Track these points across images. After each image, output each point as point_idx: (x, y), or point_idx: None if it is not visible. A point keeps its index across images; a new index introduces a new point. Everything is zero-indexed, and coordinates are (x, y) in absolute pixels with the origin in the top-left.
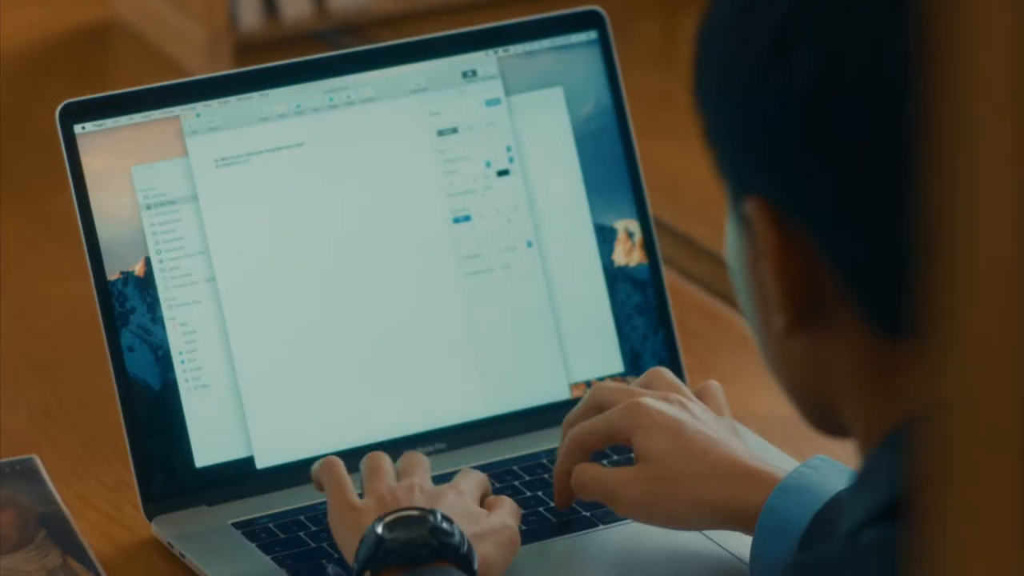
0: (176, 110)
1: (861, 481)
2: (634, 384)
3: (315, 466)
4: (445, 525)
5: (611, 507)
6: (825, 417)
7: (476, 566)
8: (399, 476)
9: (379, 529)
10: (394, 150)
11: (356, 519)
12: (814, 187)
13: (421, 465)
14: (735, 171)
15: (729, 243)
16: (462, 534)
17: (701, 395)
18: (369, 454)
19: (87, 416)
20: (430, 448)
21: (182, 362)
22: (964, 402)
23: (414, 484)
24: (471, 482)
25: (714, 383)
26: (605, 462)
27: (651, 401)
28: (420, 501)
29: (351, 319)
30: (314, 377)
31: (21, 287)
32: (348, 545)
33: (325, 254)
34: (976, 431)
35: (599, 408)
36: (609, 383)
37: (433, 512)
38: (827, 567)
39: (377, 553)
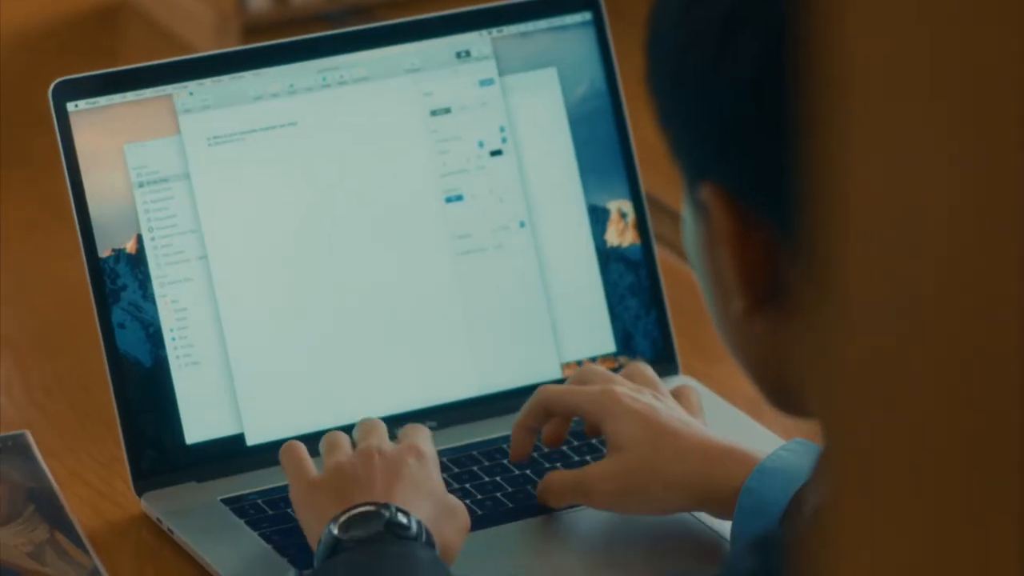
0: (169, 88)
1: (821, 464)
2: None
3: (280, 451)
4: (401, 518)
5: (587, 503)
6: (787, 399)
7: (437, 552)
8: (355, 444)
9: (335, 531)
10: (387, 130)
11: (315, 497)
12: (769, 169)
13: (377, 428)
14: (690, 157)
15: (686, 229)
16: (419, 524)
17: (676, 395)
18: (326, 434)
19: (83, 394)
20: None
21: (173, 339)
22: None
23: (371, 447)
24: (427, 439)
25: (689, 385)
26: (559, 464)
27: (624, 389)
28: (379, 467)
29: (342, 297)
30: (305, 355)
31: (21, 265)
32: (309, 527)
33: (317, 233)
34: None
35: (580, 384)
36: (597, 367)
37: (387, 506)
38: (786, 546)
39: (334, 553)
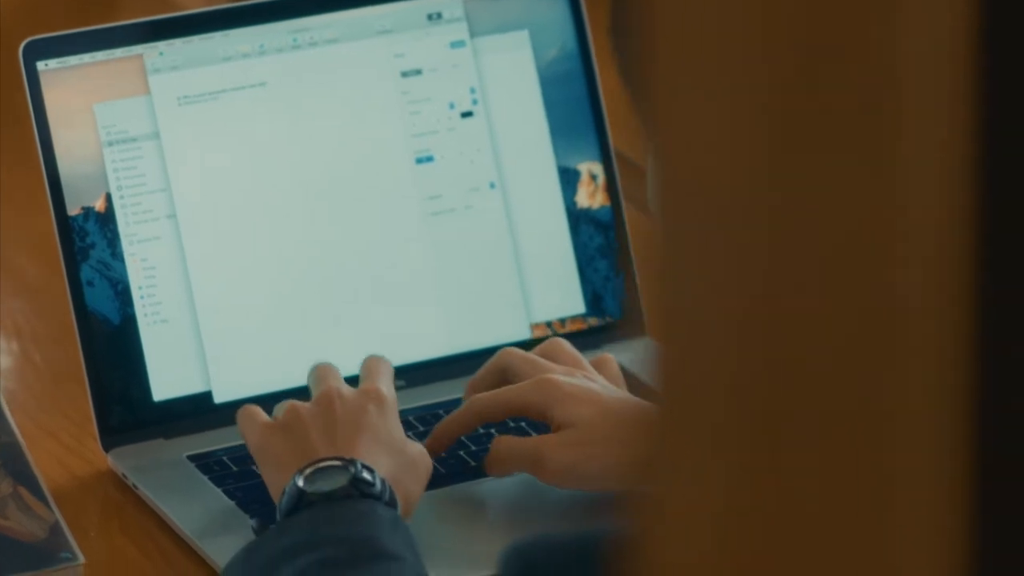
0: (139, 48)
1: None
2: (534, 352)
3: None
4: (366, 475)
5: (537, 475)
6: None
7: (399, 510)
8: (312, 391)
9: (300, 482)
10: (357, 91)
11: (274, 442)
12: None
13: (332, 372)
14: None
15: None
16: (383, 481)
17: (597, 366)
18: (282, 402)
19: (59, 352)
20: None
21: (141, 297)
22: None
23: (331, 391)
24: (389, 380)
25: (609, 355)
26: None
27: (561, 376)
28: (340, 414)
29: (312, 257)
30: (274, 314)
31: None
32: (269, 475)
33: (287, 193)
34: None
35: (502, 373)
36: (515, 350)
37: (353, 462)
38: None
39: (299, 506)
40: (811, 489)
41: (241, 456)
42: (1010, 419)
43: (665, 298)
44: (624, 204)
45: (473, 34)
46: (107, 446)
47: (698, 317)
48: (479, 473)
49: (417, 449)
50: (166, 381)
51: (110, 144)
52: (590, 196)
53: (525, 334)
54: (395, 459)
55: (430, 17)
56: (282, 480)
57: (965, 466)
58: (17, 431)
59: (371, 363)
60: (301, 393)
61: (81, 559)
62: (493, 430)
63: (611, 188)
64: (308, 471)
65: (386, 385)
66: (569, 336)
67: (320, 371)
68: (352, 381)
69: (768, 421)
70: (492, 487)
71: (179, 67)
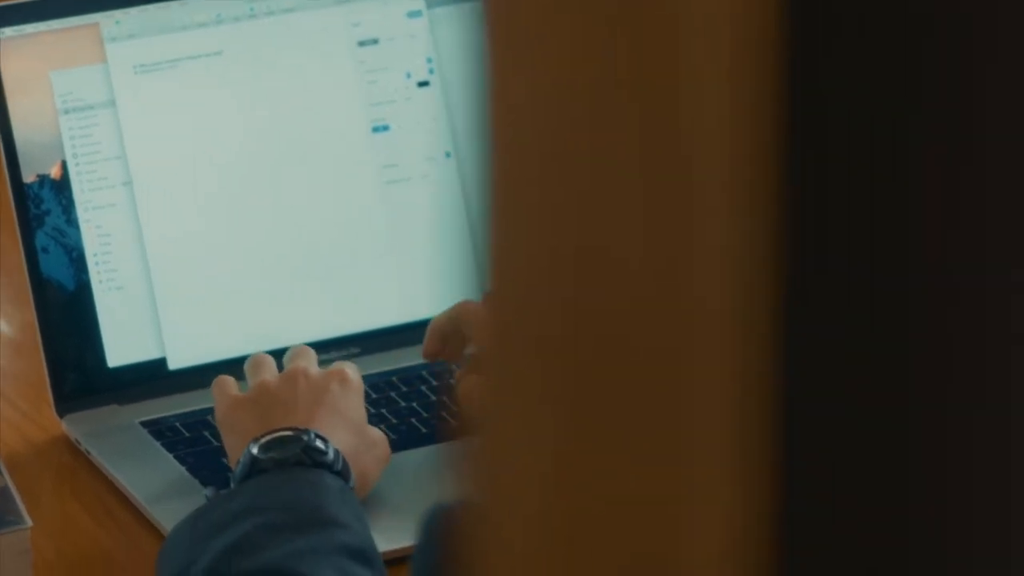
0: (96, 17)
1: None
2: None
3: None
4: (319, 443)
5: None
6: None
7: (352, 483)
8: (283, 367)
9: (254, 450)
10: (314, 60)
11: (239, 415)
12: None
13: (305, 353)
14: None
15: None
16: (336, 452)
17: None
18: (251, 356)
19: (14, 318)
20: (344, 353)
21: (96, 264)
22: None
23: (298, 369)
24: (355, 368)
25: None
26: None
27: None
28: (303, 390)
29: (268, 225)
30: (229, 281)
31: None
32: (231, 445)
33: (242, 161)
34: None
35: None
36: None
37: (306, 431)
38: None
39: (251, 473)
40: (621, 464)
41: (193, 423)
42: (805, 416)
43: (492, 250)
44: None
45: (430, 4)
46: (61, 412)
47: (521, 274)
48: (433, 439)
49: (378, 434)
50: (121, 347)
51: (66, 112)
52: None
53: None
54: (354, 437)
55: None
56: (241, 450)
57: (763, 443)
58: None
59: (294, 349)
60: None
61: (28, 523)
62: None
63: None
64: (264, 440)
65: (352, 370)
66: None
67: (294, 351)
68: (313, 347)
69: (584, 388)
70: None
71: (136, 35)
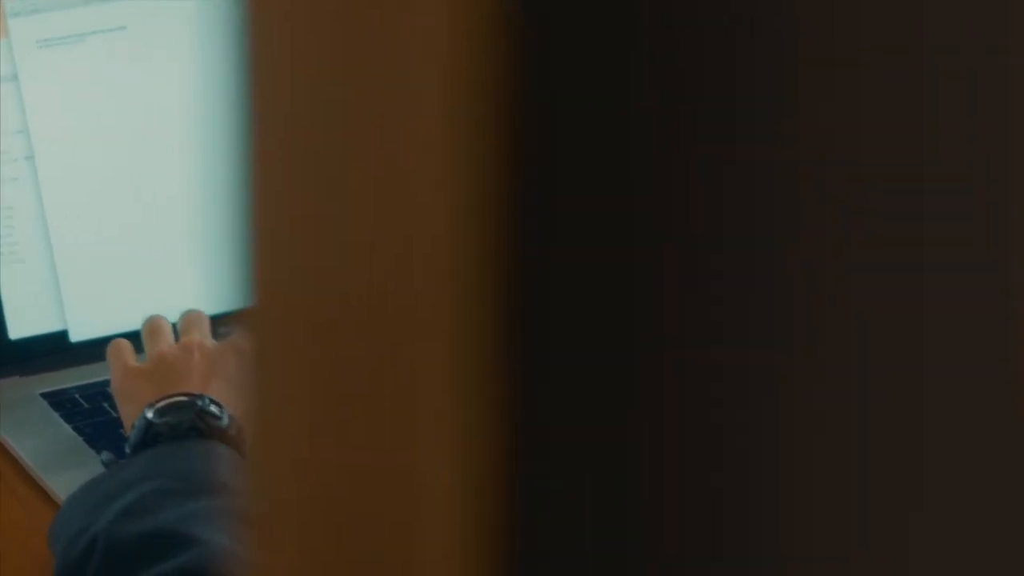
0: None
1: None
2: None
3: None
4: (213, 408)
5: None
6: None
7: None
8: (179, 336)
9: (149, 415)
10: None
11: (136, 383)
12: None
13: (200, 320)
14: None
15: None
16: (231, 417)
17: None
18: (148, 319)
19: None
20: None
21: None
22: None
23: (193, 341)
24: (207, 330)
25: None
26: None
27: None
28: (198, 360)
29: (167, 199)
30: (129, 254)
31: None
32: (127, 413)
33: (143, 136)
34: None
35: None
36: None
37: (201, 397)
38: None
39: (146, 437)
40: (359, 441)
41: (93, 394)
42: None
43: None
44: None
45: None
46: None
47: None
48: None
49: None
50: (22, 320)
51: None
52: None
53: None
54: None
55: None
56: (136, 417)
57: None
58: None
59: (189, 316)
60: None
61: None
62: None
63: None
64: (159, 405)
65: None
66: None
67: (189, 319)
68: (213, 320)
69: (327, 375)
70: None
71: (39, 10)
